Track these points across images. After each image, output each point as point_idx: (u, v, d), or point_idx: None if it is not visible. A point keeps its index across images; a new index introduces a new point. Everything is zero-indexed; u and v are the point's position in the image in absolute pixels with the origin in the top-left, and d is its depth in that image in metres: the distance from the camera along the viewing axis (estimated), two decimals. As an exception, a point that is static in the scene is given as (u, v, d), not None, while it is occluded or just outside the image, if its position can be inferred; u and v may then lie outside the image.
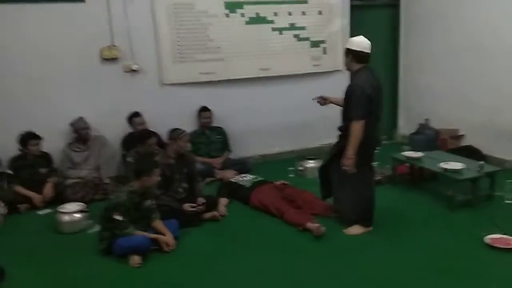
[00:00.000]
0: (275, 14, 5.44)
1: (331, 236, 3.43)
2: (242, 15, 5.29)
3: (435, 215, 3.79)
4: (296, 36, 5.58)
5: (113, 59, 4.85)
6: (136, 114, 4.89)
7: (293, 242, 3.40)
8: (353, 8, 5.92)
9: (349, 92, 3.24)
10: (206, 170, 4.96)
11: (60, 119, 4.73)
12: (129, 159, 4.45)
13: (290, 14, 5.51)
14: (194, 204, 3.83)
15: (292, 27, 5.55)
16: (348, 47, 3.29)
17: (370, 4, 6.16)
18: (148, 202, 3.36)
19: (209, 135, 5.24)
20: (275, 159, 5.78)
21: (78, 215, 3.81)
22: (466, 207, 3.83)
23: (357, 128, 3.13)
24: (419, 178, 4.57)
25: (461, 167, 3.84)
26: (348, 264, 3.06)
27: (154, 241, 3.27)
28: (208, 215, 3.85)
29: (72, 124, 4.71)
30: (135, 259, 3.11)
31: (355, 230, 3.48)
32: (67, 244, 3.55)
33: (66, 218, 3.80)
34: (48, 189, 4.35)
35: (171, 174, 3.89)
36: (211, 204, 3.99)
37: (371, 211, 3.48)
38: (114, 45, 4.82)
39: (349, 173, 3.25)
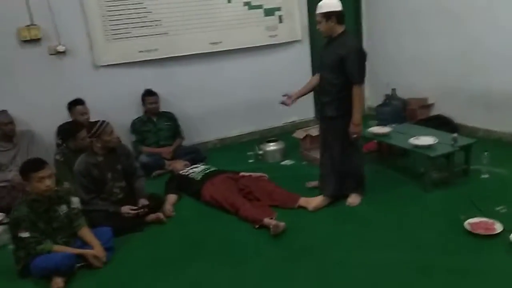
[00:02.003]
0: (221, -24, 4.81)
1: (292, 233, 2.98)
2: (184, -18, 4.64)
3: (408, 197, 3.39)
4: (247, 3, 4.99)
5: (34, 40, 4.15)
6: (77, 102, 4.23)
7: (247, 245, 2.93)
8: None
9: (349, 54, 2.99)
10: (155, 161, 4.41)
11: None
12: (57, 156, 3.82)
13: (238, -22, 4.90)
14: (134, 207, 3.29)
15: (241, -7, 4.95)
16: (328, 10, 3.03)
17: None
18: (64, 208, 2.81)
19: (157, 122, 4.66)
20: (235, 143, 5.28)
21: (1, 227, 3.22)
22: (441, 185, 3.45)
23: (360, 91, 3.08)
24: (388, 155, 4.16)
25: (433, 142, 3.43)
26: (311, 267, 2.61)
27: (81, 257, 2.73)
28: (151, 217, 3.32)
29: None
30: (57, 282, 2.57)
31: (356, 199, 3.34)
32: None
33: (-16, 231, 3.21)
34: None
35: (101, 174, 3.30)
36: (156, 203, 3.47)
37: (363, 177, 3.43)
38: (34, 24, 4.11)
39: (354, 140, 3.18)
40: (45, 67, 4.29)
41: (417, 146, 3.47)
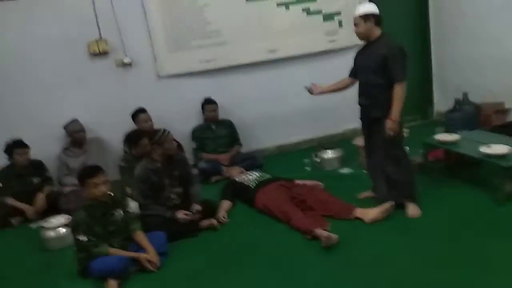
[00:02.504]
0: (279, -15, 4.80)
1: (345, 246, 2.84)
2: (242, -9, 4.69)
3: (477, 210, 3.10)
4: (305, 9, 4.92)
5: (102, 54, 4.43)
6: (140, 111, 4.45)
7: (297, 256, 2.84)
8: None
9: (392, 54, 3.02)
10: (212, 168, 4.48)
11: (52, 123, 4.37)
12: (121, 163, 4.02)
13: (296, -16, 4.85)
14: (188, 212, 3.35)
15: (300, 0, 4.88)
16: (366, 12, 3.09)
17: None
18: (120, 212, 2.92)
19: (216, 130, 4.73)
20: (293, 150, 5.20)
21: (64, 230, 3.44)
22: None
23: (403, 89, 3.04)
24: (457, 165, 3.83)
25: (507, 151, 3.10)
26: (361, 285, 2.46)
27: (135, 260, 2.82)
28: (205, 223, 3.36)
29: (65, 127, 4.37)
30: (111, 285, 2.67)
31: (415, 210, 3.17)
32: (48, 263, 3.21)
33: (50, 233, 3.45)
34: (40, 200, 4.06)
35: (159, 180, 3.40)
36: (210, 210, 3.51)
37: (413, 185, 3.28)
38: (102, 39, 4.39)
39: (392, 142, 3.10)
40: (112, 78, 4.55)
41: (488, 155, 3.16)
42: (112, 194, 2.94)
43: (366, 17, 3.07)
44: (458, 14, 5.11)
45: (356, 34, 3.17)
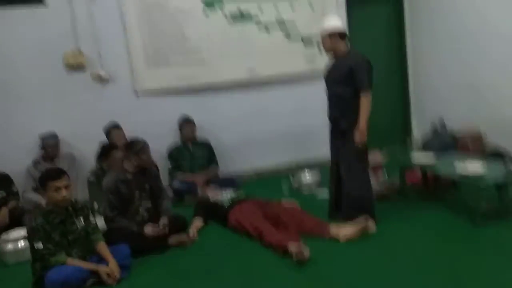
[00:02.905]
0: (260, 9, 4.87)
1: (318, 262, 2.71)
2: (222, 11, 4.74)
3: (453, 231, 3.02)
4: (286, 34, 4.99)
5: (79, 67, 4.36)
6: (114, 126, 4.33)
7: (268, 272, 2.69)
8: (349, 2, 5.31)
9: (357, 65, 3.11)
10: (187, 188, 4.35)
11: (22, 135, 4.24)
12: (90, 178, 3.86)
13: (277, 9, 4.93)
14: (156, 225, 3.19)
15: (280, 23, 4.97)
16: (330, 29, 3.21)
17: (369, -2, 5.53)
18: (81, 221, 2.75)
19: (192, 150, 4.63)
20: (271, 174, 5.10)
21: (22, 243, 3.23)
22: (493, 219, 3.04)
23: (368, 99, 3.09)
24: (434, 188, 3.80)
25: (482, 171, 3.08)
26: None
27: (94, 272, 2.63)
28: (174, 239, 3.19)
29: (41, 138, 4.21)
30: (67, 297, 2.48)
31: (372, 225, 3.08)
32: (2, 278, 2.97)
33: (9, 247, 3.25)
34: (2, 215, 3.81)
35: (129, 192, 3.26)
36: (180, 226, 3.36)
37: (371, 202, 3.25)
38: (79, 51, 4.34)
39: (358, 154, 3.15)
40: (88, 92, 4.46)
41: (465, 175, 3.12)
42: (74, 201, 2.79)
43: (331, 33, 3.19)
44: (436, 42, 5.23)
45: (324, 49, 3.30)
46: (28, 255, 3.12)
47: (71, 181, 2.73)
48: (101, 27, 4.39)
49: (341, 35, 3.20)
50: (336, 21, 3.26)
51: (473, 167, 3.17)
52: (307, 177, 4.34)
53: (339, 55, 3.23)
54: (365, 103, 3.08)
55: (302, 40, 5.07)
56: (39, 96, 4.32)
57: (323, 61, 5.05)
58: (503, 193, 3.05)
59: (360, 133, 3.08)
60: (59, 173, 2.68)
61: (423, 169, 3.72)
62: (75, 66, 4.34)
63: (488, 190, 3.06)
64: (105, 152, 3.82)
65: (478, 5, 4.61)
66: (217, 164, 4.73)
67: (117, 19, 4.45)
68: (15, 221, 3.77)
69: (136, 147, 3.28)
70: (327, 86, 3.37)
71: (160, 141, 4.58)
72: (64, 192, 2.63)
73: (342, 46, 3.22)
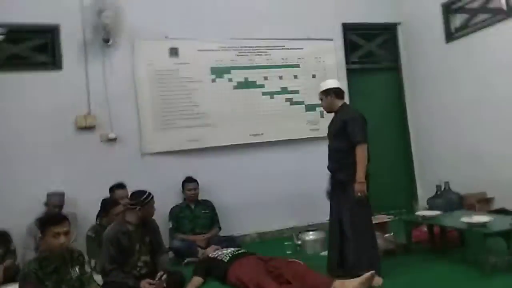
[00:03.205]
0: (265, 78, 5.16)
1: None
2: (230, 79, 5.04)
3: (461, 284, 2.87)
4: (288, 100, 5.22)
5: (89, 128, 4.54)
6: (119, 186, 4.36)
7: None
8: (350, 72, 5.61)
9: (349, 119, 3.27)
10: (187, 247, 4.26)
11: (26, 194, 4.26)
12: (89, 232, 3.83)
13: (281, 78, 5.23)
14: (153, 281, 3.09)
15: (284, 91, 5.22)
16: (325, 88, 3.44)
17: (368, 67, 5.83)
18: (76, 270, 2.67)
19: (194, 210, 4.61)
20: (275, 236, 5.00)
21: (14, 298, 3.11)
22: (502, 270, 2.90)
23: (363, 150, 3.18)
24: (441, 244, 3.68)
25: (488, 220, 3.01)
26: None
27: (86, 324, 2.51)
28: (169, 295, 3.07)
29: (48, 195, 4.22)
30: None
31: (377, 280, 2.98)
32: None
33: (1, 302, 3.13)
34: (-1, 273, 3.72)
35: (130, 244, 3.21)
36: (177, 283, 3.24)
37: (376, 255, 3.20)
38: (90, 114, 4.54)
39: (359, 206, 3.15)
40: (96, 153, 4.57)
41: (471, 224, 3.06)
42: (71, 250, 2.74)
43: (326, 92, 3.41)
44: (435, 110, 5.40)
45: (323, 108, 3.55)
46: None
47: (70, 228, 2.70)
48: (113, 91, 4.63)
49: (336, 93, 3.41)
50: (331, 81, 3.53)
51: (479, 218, 3.11)
52: (311, 236, 4.25)
53: (336, 111, 3.43)
54: (360, 154, 3.16)
55: (305, 106, 5.27)
56: (47, 155, 4.42)
57: (325, 124, 5.25)
58: (511, 243, 2.94)
59: (359, 183, 3.12)
60: (60, 219, 2.66)
61: (430, 225, 3.64)
62: (85, 128, 4.50)
63: (495, 240, 2.95)
64: (105, 207, 3.82)
65: (474, 75, 4.83)
66: (219, 225, 4.67)
67: (130, 85, 4.71)
68: (10, 280, 3.68)
69: (144, 198, 3.30)
70: (328, 140, 3.51)
71: (164, 201, 4.51)
72: (62, 239, 2.58)
73: (339, 103, 3.42)
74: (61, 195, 4.27)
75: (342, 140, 3.26)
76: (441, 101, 5.30)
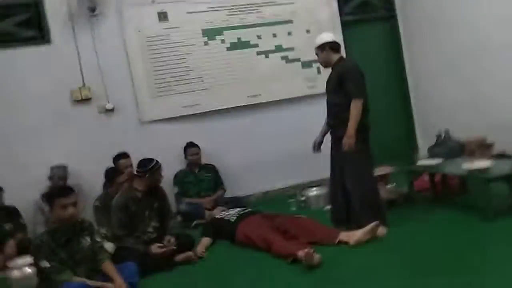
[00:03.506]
0: (259, 37, 5.05)
1: (329, 266, 2.65)
2: (223, 41, 4.92)
3: (463, 227, 2.96)
4: (284, 58, 5.13)
5: (85, 100, 4.49)
6: (122, 155, 4.35)
7: (277, 279, 2.63)
8: (344, 24, 5.47)
9: (346, 73, 3.20)
10: (194, 210, 4.33)
11: (32, 168, 4.29)
12: (96, 202, 3.88)
13: (275, 36, 5.11)
14: (162, 244, 3.16)
15: (279, 49, 5.12)
16: (320, 43, 3.36)
17: (363, 18, 5.69)
18: (88, 240, 2.73)
19: (198, 174, 4.65)
20: (279, 194, 5.07)
21: (30, 270, 3.19)
22: (506, 214, 2.96)
23: (358, 105, 3.12)
24: (443, 192, 3.73)
25: (489, 165, 3.04)
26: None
27: (100, 291, 2.59)
28: (181, 256, 3.15)
29: (52, 168, 4.25)
30: (72, 313, 2.42)
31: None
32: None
33: (16, 274, 3.20)
34: (10, 248, 3.78)
35: (139, 211, 3.27)
36: (186, 244, 3.32)
37: (379, 205, 3.21)
38: (85, 86, 4.49)
39: (351, 158, 3.15)
40: (95, 124, 4.56)
41: (472, 170, 3.08)
42: (81, 220, 2.79)
43: (321, 47, 3.33)
44: (434, 58, 5.32)
45: (320, 64, 3.47)
46: (35, 281, 3.11)
47: (77, 198, 2.74)
48: (105, 61, 4.55)
49: (331, 47, 3.32)
50: (326, 34, 3.43)
51: (480, 164, 3.14)
52: (314, 192, 4.31)
53: (334, 66, 3.35)
54: (354, 109, 3.11)
55: (301, 63, 5.18)
56: (46, 131, 4.41)
57: (322, 81, 5.19)
58: (512, 186, 2.99)
59: (347, 138, 3.10)
60: (67, 191, 2.70)
61: (431, 173, 3.68)
62: (81, 100, 4.46)
63: (497, 184, 2.99)
64: (109, 177, 3.86)
65: (472, 22, 4.71)
66: (223, 187, 4.73)
67: (121, 53, 4.61)
68: (22, 253, 3.77)
69: (152, 165, 3.33)
70: (327, 95, 3.46)
71: (167, 168, 4.54)
72: (71, 210, 2.62)
73: (335, 57, 3.34)
74: (64, 167, 4.29)
75: (340, 94, 3.22)
76: (440, 50, 5.20)
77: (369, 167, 3.30)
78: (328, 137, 3.56)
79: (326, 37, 3.37)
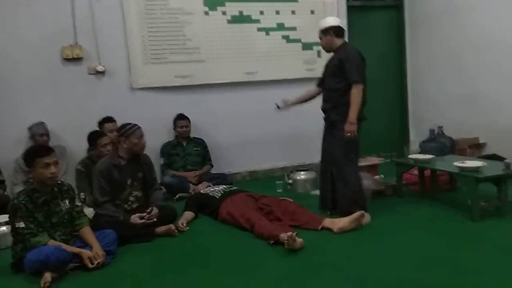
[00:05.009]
0: (261, 12, 4.90)
1: (310, 250, 2.61)
2: (224, 13, 4.76)
3: (448, 225, 2.94)
4: (285, 37, 5.00)
5: (75, 59, 4.33)
6: (107, 119, 4.24)
7: (257, 258, 2.60)
8: (350, 9, 5.35)
9: (348, 58, 3.13)
10: (179, 183, 4.26)
11: (14, 126, 4.16)
12: (78, 166, 3.78)
13: (278, 13, 4.96)
14: (143, 214, 3.10)
15: (281, 27, 4.98)
16: (325, 26, 3.29)
17: (369, 5, 5.57)
18: (66, 203, 2.65)
19: (186, 147, 4.56)
20: (266, 175, 5.03)
21: (5, 229, 3.11)
22: (492, 216, 2.96)
23: (358, 91, 3.08)
24: (431, 188, 3.72)
25: (481, 165, 3.01)
26: (325, 283, 2.22)
27: (77, 256, 2.52)
28: (162, 229, 3.09)
29: (30, 128, 4.13)
30: (45, 277, 2.36)
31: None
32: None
33: (-9, 231, 3.13)
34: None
35: (121, 178, 3.18)
36: (168, 216, 3.26)
37: (362, 194, 3.20)
38: (77, 44, 4.32)
39: (350, 148, 3.13)
40: (84, 85, 4.41)
41: (462, 169, 3.06)
42: (60, 182, 2.70)
43: (325, 31, 3.26)
44: (434, 52, 5.25)
45: (322, 48, 3.39)
46: (10, 240, 3.03)
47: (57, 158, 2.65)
48: (100, 22, 4.37)
49: (335, 32, 3.25)
50: (331, 19, 3.38)
51: (471, 163, 3.11)
52: (302, 176, 4.26)
53: (336, 51, 3.29)
54: (355, 94, 3.07)
55: (302, 44, 5.06)
56: (33, 88, 4.26)
57: (321, 65, 5.09)
58: (501, 189, 2.97)
59: (350, 124, 3.06)
60: (47, 150, 2.61)
61: (421, 168, 3.65)
62: (72, 59, 4.30)
63: (486, 185, 2.97)
64: (92, 140, 3.75)
65: (475, 17, 4.65)
66: (211, 163, 4.66)
67: (118, 15, 4.43)
68: (1, 210, 3.68)
69: (127, 130, 3.21)
70: (323, 81, 3.39)
71: (154, 138, 4.47)
72: (53, 169, 2.54)
73: (338, 42, 3.27)
74: (42, 123, 4.17)
75: (339, 79, 3.16)
76: (442, 43, 5.13)
77: (356, 156, 3.27)
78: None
79: (332, 21, 3.31)
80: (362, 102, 3.14)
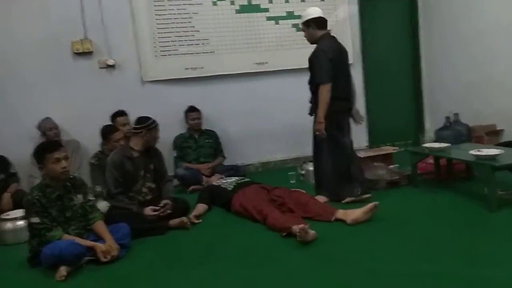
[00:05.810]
0: (270, 1, 4.83)
1: (323, 242, 2.59)
2: (232, 2, 4.72)
3: (464, 215, 2.88)
4: (295, 26, 4.92)
5: (86, 53, 4.34)
6: (119, 113, 4.26)
7: (269, 250, 2.59)
8: (362, -4, 5.24)
9: (312, 58, 3.22)
10: (191, 175, 4.27)
11: (30, 121, 4.19)
12: (91, 160, 3.81)
13: (287, 1, 4.89)
14: (157, 207, 3.11)
15: (290, 15, 4.91)
16: (305, 19, 3.31)
17: (382, -9, 5.45)
18: (79, 198, 2.67)
19: (198, 139, 4.56)
20: (278, 166, 5.00)
21: (22, 223, 3.16)
22: (509, 206, 2.89)
23: (323, 91, 3.15)
24: (447, 177, 3.65)
25: (498, 153, 2.94)
26: (337, 274, 2.20)
27: (90, 250, 2.55)
28: (175, 221, 3.10)
29: (38, 127, 4.17)
30: (60, 271, 2.39)
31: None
32: (3, 257, 2.92)
33: (8, 225, 3.20)
34: (5, 200, 3.77)
35: (134, 170, 3.20)
36: (181, 209, 3.27)
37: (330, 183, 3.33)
38: (86, 38, 4.33)
39: (322, 139, 3.24)
40: (95, 80, 4.43)
41: (479, 158, 2.98)
42: (73, 177, 2.72)
43: (306, 23, 3.29)
44: (450, 38, 5.12)
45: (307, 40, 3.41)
46: (27, 234, 3.08)
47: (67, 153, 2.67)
48: (109, 16, 4.38)
49: (316, 23, 3.25)
50: (311, 9, 3.33)
51: (487, 151, 3.03)
52: (315, 166, 4.21)
53: (318, 42, 3.30)
54: (322, 94, 3.13)
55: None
56: (45, 83, 4.30)
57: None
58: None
59: (318, 123, 3.17)
60: (56, 145, 2.62)
61: (436, 157, 3.58)
62: (82, 53, 4.32)
63: (503, 174, 2.90)
64: (105, 134, 3.78)
65: (488, 6, 4.52)
66: (223, 154, 4.65)
67: (126, 9, 4.43)
68: (19, 205, 3.73)
69: (150, 122, 3.26)
70: None
71: (167, 131, 4.46)
72: (64, 163, 2.56)
73: (320, 33, 3.27)
74: (48, 118, 4.20)
75: (311, 77, 3.28)
76: (457, 30, 4.99)
77: (330, 148, 3.32)
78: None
79: (312, 12, 3.29)
80: (339, 96, 3.19)
